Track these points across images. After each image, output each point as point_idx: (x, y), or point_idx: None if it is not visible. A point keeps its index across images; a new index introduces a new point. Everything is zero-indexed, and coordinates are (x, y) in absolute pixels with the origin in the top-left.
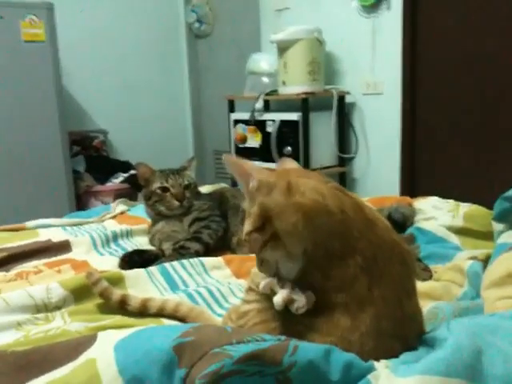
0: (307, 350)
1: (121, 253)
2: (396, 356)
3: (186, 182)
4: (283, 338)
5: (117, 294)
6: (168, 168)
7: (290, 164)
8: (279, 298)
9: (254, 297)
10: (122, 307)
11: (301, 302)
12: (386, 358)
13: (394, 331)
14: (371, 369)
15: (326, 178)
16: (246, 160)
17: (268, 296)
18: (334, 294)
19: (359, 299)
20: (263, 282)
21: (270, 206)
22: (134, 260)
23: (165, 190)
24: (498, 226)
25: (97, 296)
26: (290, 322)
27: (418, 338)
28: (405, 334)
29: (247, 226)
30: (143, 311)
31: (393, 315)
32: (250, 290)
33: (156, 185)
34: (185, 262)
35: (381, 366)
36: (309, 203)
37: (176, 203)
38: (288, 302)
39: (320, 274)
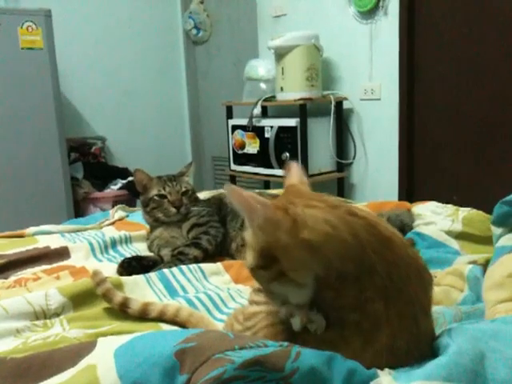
0: (310, 356)
1: (119, 259)
2: None
3: (184, 189)
4: (286, 343)
5: (119, 296)
6: (166, 174)
7: (296, 172)
8: (297, 321)
9: (264, 298)
10: (122, 310)
11: (320, 323)
12: None
13: (409, 348)
14: (374, 376)
15: (334, 200)
16: (248, 192)
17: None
18: (347, 313)
19: (374, 319)
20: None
21: (275, 246)
22: (133, 266)
23: (162, 196)
24: (496, 230)
25: (97, 299)
26: (300, 331)
27: (430, 350)
28: (420, 349)
29: (250, 259)
30: (143, 315)
31: (408, 333)
32: (258, 290)
33: (153, 192)
34: (184, 267)
35: (383, 373)
36: (318, 237)
37: (173, 210)
38: (306, 322)
39: (332, 292)
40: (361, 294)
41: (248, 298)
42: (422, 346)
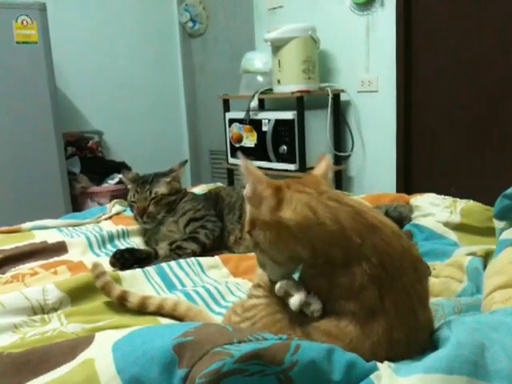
0: (309, 349)
1: None
2: None
3: (153, 195)
4: (285, 336)
5: (117, 289)
6: (151, 173)
7: (323, 165)
8: (296, 300)
9: (263, 292)
10: (121, 303)
11: (317, 305)
12: None
13: (409, 340)
14: (374, 369)
15: (326, 185)
16: (251, 166)
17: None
18: (342, 302)
19: (369, 308)
20: (278, 283)
21: (256, 217)
22: (125, 257)
23: (133, 203)
24: (499, 224)
25: (95, 294)
26: (298, 320)
27: (430, 342)
28: (419, 342)
29: (246, 225)
30: (142, 308)
31: (407, 325)
32: (258, 286)
33: (128, 197)
34: (182, 261)
35: (383, 366)
36: (298, 220)
37: (138, 218)
38: (303, 305)
39: (326, 280)
40: (353, 283)
41: (247, 293)
42: (421, 339)
